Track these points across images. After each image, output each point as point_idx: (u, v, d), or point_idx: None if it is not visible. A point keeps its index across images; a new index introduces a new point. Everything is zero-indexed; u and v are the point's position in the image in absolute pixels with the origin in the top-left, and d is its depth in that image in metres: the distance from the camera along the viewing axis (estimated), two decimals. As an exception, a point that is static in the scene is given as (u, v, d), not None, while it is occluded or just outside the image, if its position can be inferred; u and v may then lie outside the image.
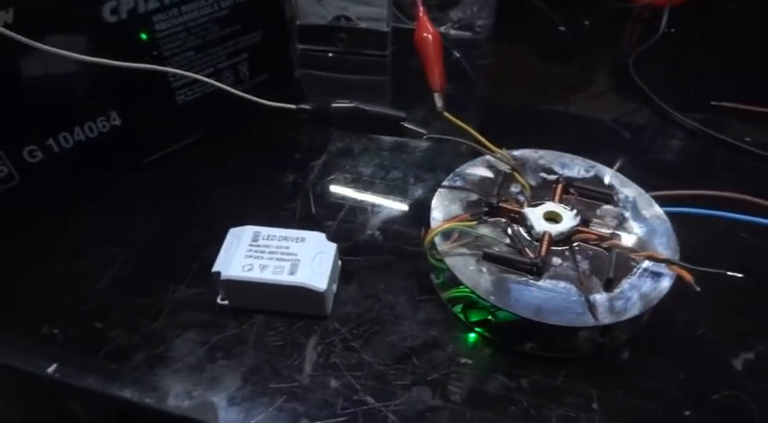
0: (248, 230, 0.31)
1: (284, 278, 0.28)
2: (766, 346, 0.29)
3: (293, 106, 0.32)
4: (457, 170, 0.34)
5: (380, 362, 0.28)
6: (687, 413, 0.26)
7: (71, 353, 0.28)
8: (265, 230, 0.31)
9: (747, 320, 0.30)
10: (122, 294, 0.31)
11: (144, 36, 0.34)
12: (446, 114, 0.34)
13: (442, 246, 0.30)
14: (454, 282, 0.29)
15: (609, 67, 0.54)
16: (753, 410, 0.26)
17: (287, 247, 0.30)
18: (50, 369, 0.27)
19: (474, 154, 0.35)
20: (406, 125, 0.32)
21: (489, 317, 0.29)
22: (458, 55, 0.53)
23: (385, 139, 0.41)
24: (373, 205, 0.36)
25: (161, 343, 0.29)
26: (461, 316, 0.30)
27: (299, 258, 0.29)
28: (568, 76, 0.52)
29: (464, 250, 0.30)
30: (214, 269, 0.29)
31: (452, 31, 0.54)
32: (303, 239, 0.30)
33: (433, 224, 0.31)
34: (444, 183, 0.33)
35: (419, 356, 0.28)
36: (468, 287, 0.28)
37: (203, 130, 0.40)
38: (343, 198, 0.37)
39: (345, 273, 0.32)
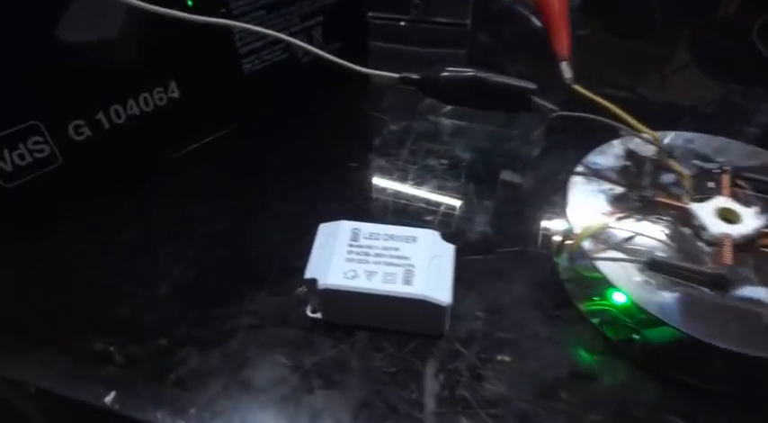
0: (344, 227, 0.25)
1: (398, 289, 0.22)
2: None
3: (395, 75, 0.26)
4: (589, 156, 0.28)
5: (521, 396, 0.22)
6: None
7: (132, 377, 0.23)
8: (366, 227, 0.25)
9: None
10: (190, 302, 0.25)
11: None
12: (576, 87, 0.27)
13: (592, 250, 0.24)
14: (596, 292, 0.24)
15: (726, 37, 0.47)
16: None
17: (396, 249, 0.24)
18: (108, 398, 0.22)
19: (609, 135, 0.28)
20: (535, 100, 0.26)
21: (635, 336, 0.23)
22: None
23: (480, 116, 0.35)
24: (479, 195, 0.30)
25: (243, 366, 0.23)
26: (610, 334, 0.24)
27: (413, 263, 0.23)
28: (677, 49, 0.45)
29: (620, 255, 0.24)
30: (307, 275, 0.23)
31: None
32: (415, 239, 0.24)
33: (574, 222, 0.25)
34: (578, 170, 0.27)
35: (569, 390, 0.22)
36: (632, 301, 0.22)
37: (272, 105, 0.34)
38: (442, 187, 0.31)
39: (460, 279, 0.25)
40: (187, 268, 0.26)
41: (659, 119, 0.30)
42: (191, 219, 0.29)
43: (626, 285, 0.22)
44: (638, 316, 0.22)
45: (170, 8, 0.24)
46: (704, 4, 0.50)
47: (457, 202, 0.30)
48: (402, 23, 0.45)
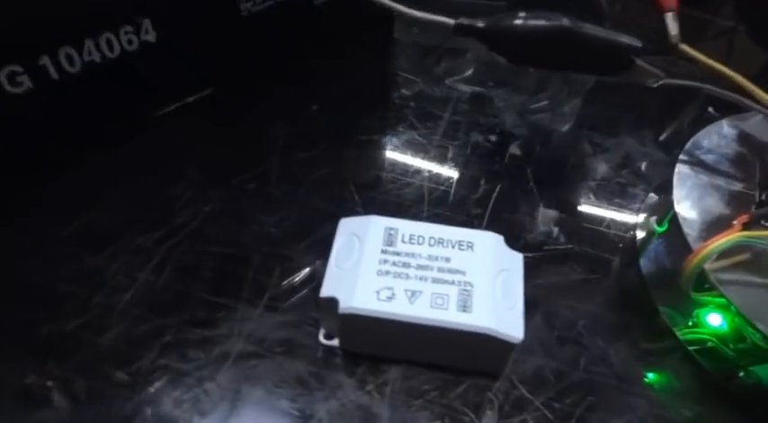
0: (376, 225, 0.18)
1: (453, 318, 0.16)
2: None
3: (451, 21, 0.19)
4: (694, 139, 0.21)
5: (612, 467, 0.16)
6: None
7: (78, 426, 0.16)
8: (405, 226, 0.18)
9: None
10: (161, 319, 0.19)
11: None
12: (684, 47, 0.21)
13: (714, 268, 0.17)
14: (698, 317, 0.18)
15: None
16: None
17: (446, 259, 0.17)
18: (42, 458, 0.16)
19: (707, 117, 0.22)
20: (640, 63, 0.19)
21: (741, 374, 0.17)
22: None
23: (507, 80, 0.28)
24: (539, 182, 0.24)
25: (231, 412, 0.17)
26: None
27: (471, 281, 0.17)
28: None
29: (753, 278, 0.17)
30: (325, 293, 0.17)
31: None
32: (471, 246, 0.18)
33: (688, 230, 0.18)
34: (682, 157, 0.21)
35: (676, 461, 0.16)
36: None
37: (274, 59, 0.27)
38: (492, 172, 0.24)
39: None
40: (157, 270, 0.20)
41: None
42: (163, 203, 0.22)
43: (764, 321, 0.16)
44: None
45: None
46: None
47: (512, 193, 0.23)
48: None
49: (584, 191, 0.24)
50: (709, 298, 0.18)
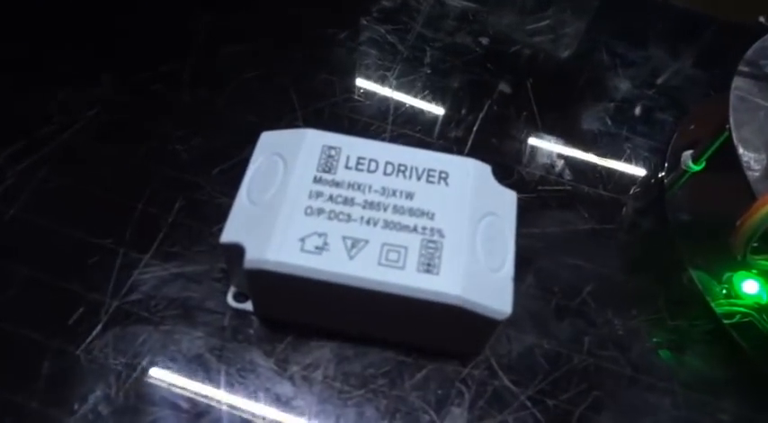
0: (311, 142, 0.13)
1: (410, 281, 0.11)
2: None
3: None
4: (758, 46, 0.16)
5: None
6: None
7: None
8: (351, 145, 0.13)
9: None
10: (10, 261, 0.13)
11: None
12: None
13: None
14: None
15: None
16: None
17: (409, 195, 0.12)
18: None
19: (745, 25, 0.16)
20: None
21: None
22: None
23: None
24: (540, 103, 0.18)
25: (97, 405, 0.12)
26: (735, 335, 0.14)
27: (441, 227, 0.12)
28: None
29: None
30: (226, 238, 0.12)
31: None
32: (445, 178, 0.12)
33: (753, 174, 0.13)
34: (742, 68, 0.15)
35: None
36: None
37: None
38: (481, 85, 0.18)
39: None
40: (11, 194, 0.14)
41: None
42: (33, 101, 0.16)
43: None
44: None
45: None
46: None
47: (509, 112, 0.18)
48: None
49: (599, 114, 0.18)
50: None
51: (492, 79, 0.18)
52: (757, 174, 0.13)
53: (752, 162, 0.13)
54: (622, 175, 0.17)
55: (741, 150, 0.13)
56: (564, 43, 0.20)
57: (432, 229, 0.12)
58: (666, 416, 0.13)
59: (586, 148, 0.17)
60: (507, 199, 0.13)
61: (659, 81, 0.19)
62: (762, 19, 0.21)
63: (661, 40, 0.20)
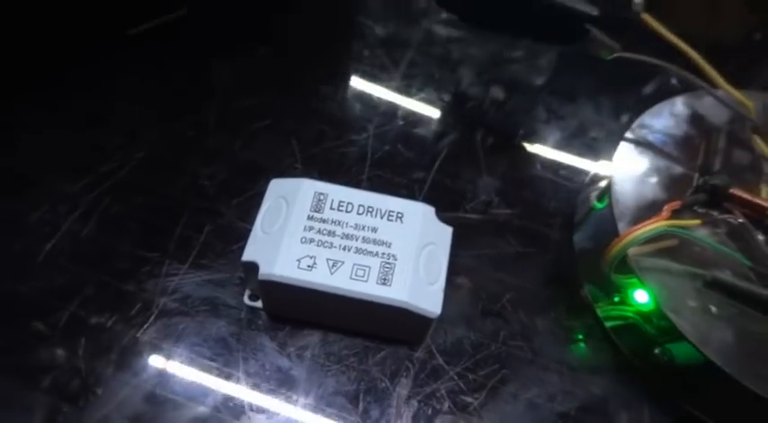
0: (306, 189, 0.18)
1: (371, 290, 0.16)
2: None
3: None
4: (645, 117, 0.21)
5: (516, 439, 0.17)
6: None
7: (-9, 377, 0.16)
8: (336, 192, 0.18)
9: None
10: (84, 272, 0.18)
11: None
12: (647, 18, 0.20)
13: (634, 255, 0.17)
14: (616, 293, 0.18)
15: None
16: None
17: (374, 230, 0.17)
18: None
19: (678, 89, 0.21)
20: (594, 32, 0.18)
21: (657, 351, 0.18)
22: None
23: (493, 41, 0.27)
24: (489, 150, 0.23)
25: (150, 371, 0.17)
26: (614, 338, 0.19)
27: (395, 252, 0.17)
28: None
29: (671, 266, 0.18)
30: (246, 257, 0.17)
31: None
32: (401, 217, 0.17)
33: (620, 212, 0.18)
34: (627, 136, 0.20)
35: (575, 429, 0.17)
36: (684, 335, 0.16)
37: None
38: (441, 134, 0.24)
39: (451, 264, 0.19)
40: (82, 219, 0.19)
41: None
42: (97, 145, 0.21)
43: (677, 310, 0.17)
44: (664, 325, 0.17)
45: None
46: None
47: (458, 156, 0.23)
48: None
49: (533, 160, 0.23)
50: (629, 281, 0.18)
51: (452, 131, 0.24)
52: (626, 217, 0.18)
53: (622, 207, 0.18)
54: (545, 209, 0.22)
55: (615, 199, 0.18)
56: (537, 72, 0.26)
57: (388, 255, 0.17)
58: (554, 388, 0.18)
59: (520, 187, 0.22)
60: (445, 233, 0.18)
61: (583, 133, 0.24)
62: (675, 81, 0.26)
63: (591, 98, 0.26)
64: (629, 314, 0.19)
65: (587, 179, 0.23)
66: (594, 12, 0.18)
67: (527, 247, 0.21)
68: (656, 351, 0.19)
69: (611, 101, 0.25)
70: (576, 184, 0.23)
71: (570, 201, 0.22)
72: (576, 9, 0.18)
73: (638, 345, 0.19)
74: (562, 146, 0.24)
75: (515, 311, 0.19)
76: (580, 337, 0.19)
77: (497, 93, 0.24)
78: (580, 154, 0.24)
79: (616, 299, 0.19)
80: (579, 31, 0.18)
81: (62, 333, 0.17)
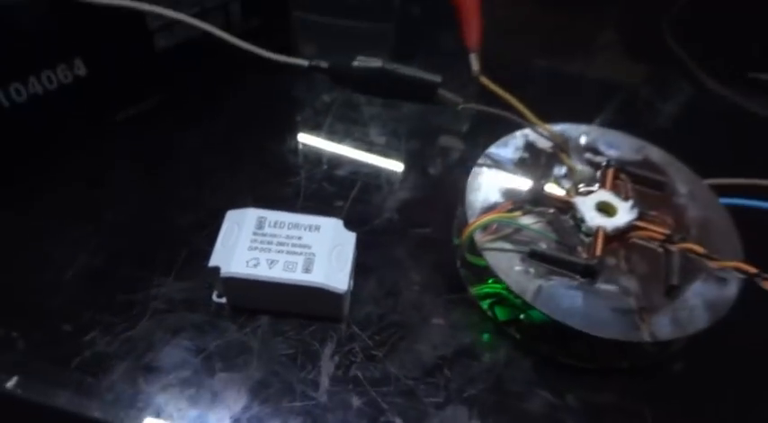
0: (251, 215, 0.26)
1: (297, 277, 0.24)
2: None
3: (306, 63, 0.27)
4: (491, 147, 0.29)
5: (408, 375, 0.24)
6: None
7: (35, 363, 0.23)
8: (272, 215, 0.26)
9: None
10: (96, 288, 0.26)
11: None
12: (483, 80, 0.28)
13: (481, 239, 0.25)
14: (485, 276, 0.26)
15: (636, 26, 0.49)
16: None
17: (299, 238, 0.25)
18: (10, 383, 0.22)
19: (509, 127, 0.30)
20: (441, 92, 0.27)
21: (522, 316, 0.25)
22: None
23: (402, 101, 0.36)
24: (390, 182, 0.32)
25: (147, 351, 0.24)
26: (490, 314, 0.26)
27: (314, 252, 0.25)
28: (593, 36, 0.47)
29: (506, 245, 0.25)
30: (211, 263, 0.24)
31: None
32: (318, 228, 0.25)
33: (470, 213, 0.26)
34: (478, 162, 0.29)
35: (452, 368, 0.25)
36: (509, 288, 0.24)
37: (186, 84, 0.34)
38: (355, 173, 0.32)
39: (362, 265, 0.27)
40: (93, 253, 0.27)
41: (573, 104, 0.32)
42: (98, 202, 0.29)
43: (506, 273, 0.24)
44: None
45: None
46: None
47: (368, 188, 0.31)
48: (329, -4, 0.45)
49: (425, 187, 0.32)
50: (480, 259, 0.26)
51: (360, 169, 0.32)
52: (474, 215, 0.26)
53: (472, 209, 0.26)
54: (433, 219, 0.30)
55: (467, 203, 0.27)
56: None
57: (309, 253, 0.24)
58: (437, 340, 0.25)
59: (414, 207, 0.30)
60: (351, 237, 0.26)
61: (464, 164, 0.33)
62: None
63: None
64: (500, 290, 0.27)
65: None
66: (438, 79, 0.27)
67: (419, 247, 0.29)
68: (522, 316, 0.26)
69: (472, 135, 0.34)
70: (454, 199, 0.31)
71: (449, 211, 0.30)
72: (425, 78, 0.26)
73: (510, 313, 0.26)
74: (445, 175, 0.32)
75: (410, 292, 0.27)
76: (458, 307, 0.27)
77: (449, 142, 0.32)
78: (458, 179, 0.32)
79: (490, 281, 0.27)
80: (431, 91, 0.27)
81: (84, 331, 0.24)
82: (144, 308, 0.25)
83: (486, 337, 0.26)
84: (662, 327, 0.24)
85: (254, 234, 0.25)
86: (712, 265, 0.25)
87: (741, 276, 0.25)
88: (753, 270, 0.24)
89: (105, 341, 0.24)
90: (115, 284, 0.26)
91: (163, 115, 0.33)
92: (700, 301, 0.24)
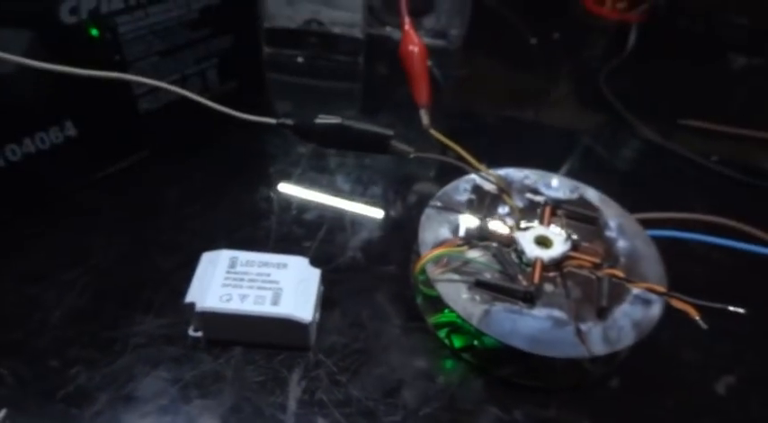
0: (224, 255, 0.28)
1: (266, 309, 0.26)
2: (747, 369, 0.29)
3: (274, 121, 0.30)
4: (443, 190, 0.33)
5: (369, 396, 0.26)
6: (677, 441, 0.26)
7: (24, 396, 0.25)
8: (243, 255, 0.28)
9: (728, 343, 0.30)
10: (82, 326, 0.28)
11: (105, 39, 0.31)
12: (432, 132, 0.32)
13: (433, 272, 0.28)
14: (441, 307, 0.28)
15: (579, 81, 0.54)
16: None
17: (268, 275, 0.28)
18: (0, 415, 0.24)
19: (459, 172, 0.34)
20: (393, 144, 0.30)
21: (476, 342, 0.28)
22: (430, 64, 0.52)
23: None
24: (353, 224, 0.35)
25: (128, 382, 0.26)
26: (447, 341, 0.29)
27: (282, 287, 0.27)
28: (540, 90, 0.52)
29: (455, 276, 0.28)
30: (188, 299, 0.27)
31: (425, 40, 0.52)
32: (285, 265, 0.28)
33: (423, 249, 0.29)
34: (431, 203, 0.32)
35: (409, 389, 0.27)
36: (458, 315, 0.27)
37: (168, 141, 0.37)
38: (321, 216, 0.35)
39: (328, 299, 0.30)
40: (80, 294, 0.29)
41: (522, 150, 0.35)
42: (87, 248, 0.31)
43: (455, 301, 0.27)
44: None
45: (66, 54, 0.27)
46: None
47: (334, 229, 0.34)
48: (299, 60, 0.49)
49: (385, 227, 0.35)
50: (433, 290, 0.29)
51: (326, 213, 0.35)
52: (427, 250, 0.29)
53: (425, 246, 0.29)
54: (392, 257, 0.33)
55: (420, 241, 0.30)
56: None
57: (277, 288, 0.27)
58: (395, 364, 0.28)
59: (373, 246, 0.34)
60: (315, 273, 0.28)
61: (419, 208, 0.36)
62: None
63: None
64: (455, 319, 0.30)
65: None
66: (390, 132, 0.30)
67: (380, 282, 0.32)
68: (476, 343, 0.29)
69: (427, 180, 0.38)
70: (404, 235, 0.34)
71: (407, 249, 0.33)
72: (379, 132, 0.30)
73: (464, 340, 0.29)
74: (403, 216, 0.36)
75: (371, 322, 0.29)
76: (416, 335, 0.29)
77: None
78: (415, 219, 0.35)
79: (446, 311, 0.30)
80: (385, 144, 0.30)
81: (70, 366, 0.26)
82: (125, 344, 0.27)
83: (442, 362, 0.29)
84: (595, 344, 0.26)
85: (228, 272, 0.28)
86: (633, 287, 0.28)
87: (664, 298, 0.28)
88: (662, 290, 0.27)
89: (89, 375, 0.26)
90: (99, 323, 0.28)
91: (147, 169, 0.36)
92: (627, 320, 0.27)
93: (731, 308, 0.25)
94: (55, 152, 0.32)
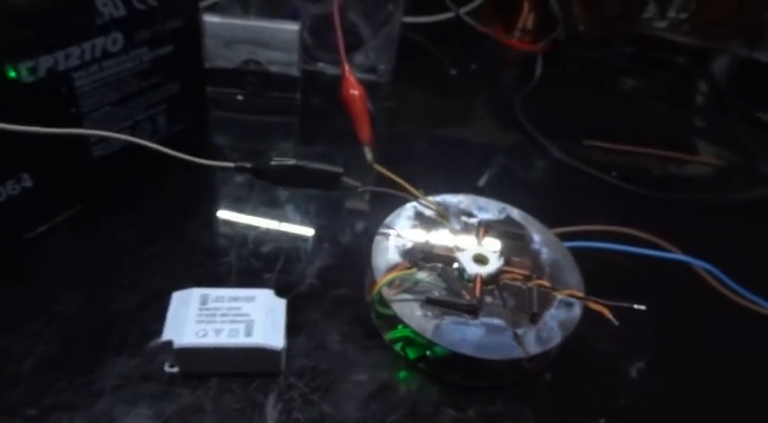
0: (195, 294, 0.30)
1: (241, 340, 0.29)
2: (652, 355, 0.35)
3: (232, 165, 0.33)
4: (388, 218, 0.37)
5: (341, 412, 0.29)
6: (602, 420, 0.31)
7: (6, 446, 0.26)
8: (213, 292, 0.30)
9: (637, 335, 0.36)
10: (56, 374, 0.29)
11: (62, 94, 0.32)
12: (376, 166, 0.36)
13: (388, 293, 0.32)
14: (395, 323, 0.32)
15: (496, 106, 0.60)
16: (646, 410, 0.32)
17: (238, 308, 0.30)
18: (-17, 469, 0.25)
19: (402, 200, 0.37)
20: (344, 180, 0.34)
21: (428, 352, 0.32)
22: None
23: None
24: (307, 254, 0.38)
25: (110, 422, 0.27)
26: (402, 354, 0.32)
27: (253, 318, 0.30)
28: (461, 117, 0.57)
29: (407, 296, 0.32)
30: (164, 338, 0.28)
31: (357, 74, 0.56)
32: (253, 298, 0.31)
33: (377, 273, 0.33)
34: (379, 231, 0.36)
35: (376, 401, 0.30)
36: (412, 330, 0.31)
37: (122, 185, 0.38)
38: (277, 248, 0.38)
39: (293, 325, 0.32)
40: (49, 343, 0.30)
41: (454, 173, 0.40)
42: (49, 296, 0.32)
43: (410, 318, 0.31)
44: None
45: (29, 109, 0.28)
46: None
47: (290, 260, 0.37)
48: (239, 97, 0.52)
49: (340, 255, 0.38)
50: (389, 309, 0.32)
51: (282, 244, 0.38)
52: (380, 274, 0.33)
53: (377, 270, 0.33)
54: (352, 282, 0.36)
55: (373, 266, 0.33)
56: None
57: (249, 320, 0.29)
58: (363, 379, 0.31)
59: (335, 271, 0.37)
60: (281, 303, 0.31)
61: (368, 234, 0.40)
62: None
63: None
64: (409, 333, 0.33)
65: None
66: (341, 170, 0.33)
67: (338, 305, 0.35)
68: (428, 353, 0.33)
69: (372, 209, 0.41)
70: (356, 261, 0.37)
71: (360, 273, 0.36)
72: (330, 170, 0.33)
73: (419, 351, 0.33)
74: (353, 243, 0.39)
75: (334, 343, 0.32)
76: (376, 352, 0.33)
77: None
78: (364, 246, 0.39)
79: (400, 327, 0.33)
80: (336, 180, 0.34)
81: (47, 413, 0.27)
82: (102, 386, 0.29)
83: (401, 373, 0.32)
84: (530, 345, 0.31)
85: (200, 309, 0.30)
86: (557, 294, 0.33)
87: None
88: (580, 295, 0.32)
89: (69, 419, 0.27)
90: (72, 369, 0.29)
91: (103, 213, 0.37)
92: (555, 322, 0.32)
93: (635, 305, 0.31)
94: (12, 203, 0.32)
